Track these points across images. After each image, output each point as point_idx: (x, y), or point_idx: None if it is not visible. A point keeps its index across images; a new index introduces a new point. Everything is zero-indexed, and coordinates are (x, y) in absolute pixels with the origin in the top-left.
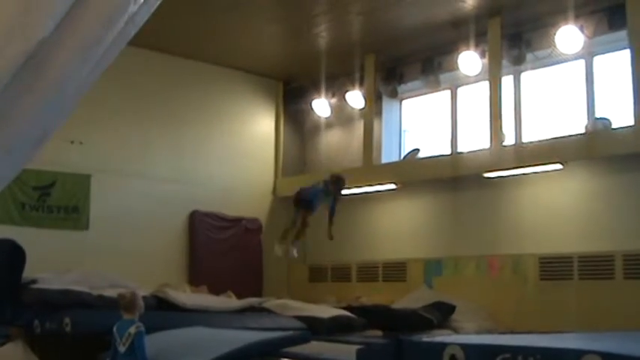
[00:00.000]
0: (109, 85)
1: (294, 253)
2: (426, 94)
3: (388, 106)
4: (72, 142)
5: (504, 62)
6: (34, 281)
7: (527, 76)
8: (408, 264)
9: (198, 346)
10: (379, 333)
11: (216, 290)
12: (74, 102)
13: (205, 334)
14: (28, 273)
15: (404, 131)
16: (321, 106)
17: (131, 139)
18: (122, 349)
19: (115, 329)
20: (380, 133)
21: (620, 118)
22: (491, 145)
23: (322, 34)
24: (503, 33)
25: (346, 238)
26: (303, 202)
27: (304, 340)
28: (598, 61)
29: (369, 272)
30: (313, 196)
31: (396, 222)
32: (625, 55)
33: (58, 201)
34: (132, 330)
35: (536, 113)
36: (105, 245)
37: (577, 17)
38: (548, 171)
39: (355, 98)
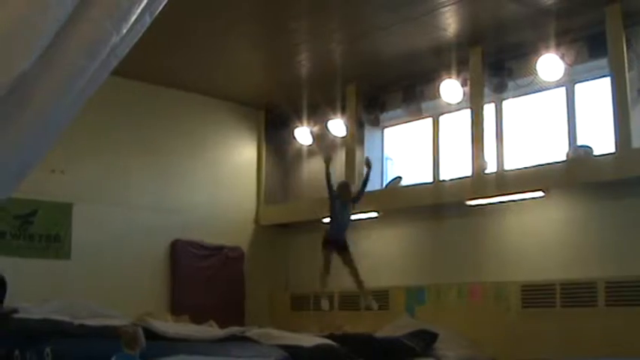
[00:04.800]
0: (90, 114)
1: (373, 304)
2: (407, 122)
3: (370, 134)
4: (53, 171)
5: (486, 90)
6: (15, 311)
7: (509, 104)
8: (390, 292)
9: None
10: None
11: (198, 319)
12: (57, 132)
13: None
14: (9, 302)
15: (386, 159)
16: (303, 135)
17: (113, 167)
18: None
19: None
20: (362, 161)
21: (602, 145)
22: (473, 173)
23: (304, 63)
24: (485, 61)
25: None
26: (335, 243)
27: None
28: (579, 88)
29: (351, 301)
30: (342, 223)
31: (378, 250)
32: (605, 83)
33: (40, 230)
34: None
35: (518, 141)
36: (86, 274)
37: (558, 45)
38: (530, 198)
39: (337, 126)
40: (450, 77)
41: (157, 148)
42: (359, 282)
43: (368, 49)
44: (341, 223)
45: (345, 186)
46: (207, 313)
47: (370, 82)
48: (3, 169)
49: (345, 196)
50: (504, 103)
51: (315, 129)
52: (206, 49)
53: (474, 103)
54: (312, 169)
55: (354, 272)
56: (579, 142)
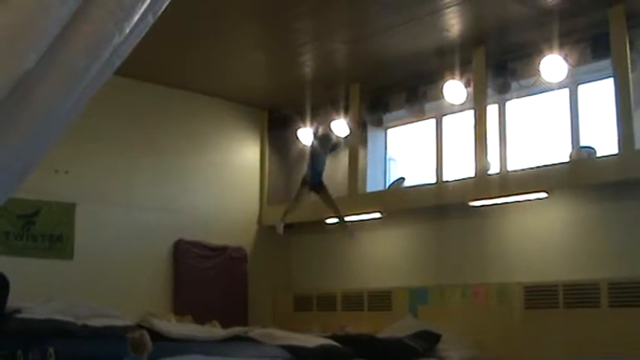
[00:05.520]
0: (94, 115)
1: (354, 234)
2: (411, 122)
3: (373, 135)
4: (56, 171)
5: (489, 91)
6: (17, 311)
7: (512, 105)
8: (394, 293)
9: None
10: None
11: (201, 319)
12: (59, 133)
13: None
14: (11, 302)
15: (389, 160)
16: (306, 135)
17: (116, 168)
18: None
19: None
20: (365, 162)
21: (605, 146)
22: (476, 174)
23: (307, 63)
24: (488, 62)
25: (331, 267)
26: (312, 183)
27: None
28: (582, 89)
29: (354, 301)
30: (318, 169)
31: (382, 251)
32: (609, 84)
33: (43, 230)
34: None
35: (521, 142)
36: (89, 274)
37: (561, 46)
38: (533, 199)
39: (340, 127)
40: (453, 78)
41: (160, 148)
42: (339, 216)
43: (371, 49)
44: (317, 168)
45: (325, 137)
46: (211, 313)
47: (373, 83)
48: (4, 169)
49: (323, 146)
50: (507, 103)
51: (319, 130)
52: (209, 50)
53: (477, 103)
54: None
55: (333, 207)
56: (582, 143)
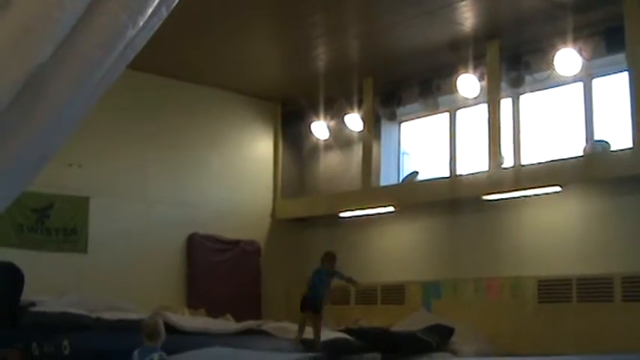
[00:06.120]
0: (107, 108)
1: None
2: (424, 116)
3: (387, 128)
4: (70, 165)
5: (503, 85)
6: (32, 304)
7: (526, 99)
8: (407, 287)
9: None
10: (378, 356)
11: (214, 313)
12: (73, 125)
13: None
14: (26, 295)
15: (403, 154)
16: (320, 129)
17: (130, 161)
18: None
19: (136, 354)
20: (379, 155)
21: (619, 140)
22: (490, 168)
23: (321, 57)
24: (502, 55)
25: (345, 261)
26: (310, 304)
27: None
28: (596, 83)
29: (367, 295)
30: (319, 290)
31: (395, 245)
32: (623, 78)
33: (57, 223)
34: (155, 357)
35: (535, 136)
36: (103, 268)
37: (575, 40)
38: (546, 193)
39: (354, 121)
40: (466, 71)
41: (174, 142)
42: (317, 340)
43: (385, 43)
44: (318, 292)
45: (330, 257)
46: (224, 306)
47: (387, 77)
48: (19, 162)
49: (327, 267)
50: (521, 97)
51: (332, 123)
52: (223, 43)
53: (491, 97)
54: (329, 163)
55: (317, 332)
56: (596, 137)
